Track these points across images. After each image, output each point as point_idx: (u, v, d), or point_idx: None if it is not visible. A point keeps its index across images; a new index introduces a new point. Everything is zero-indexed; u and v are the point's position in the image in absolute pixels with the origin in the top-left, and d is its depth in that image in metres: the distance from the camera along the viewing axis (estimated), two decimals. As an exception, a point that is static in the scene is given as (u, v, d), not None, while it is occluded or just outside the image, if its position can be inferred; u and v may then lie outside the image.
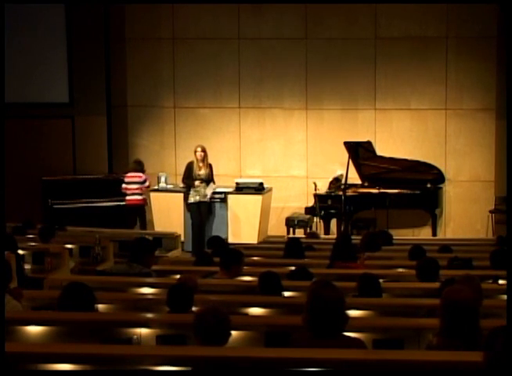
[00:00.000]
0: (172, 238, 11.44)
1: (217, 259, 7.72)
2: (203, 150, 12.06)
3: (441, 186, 13.10)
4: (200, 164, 12.03)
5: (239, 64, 13.87)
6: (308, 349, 4.26)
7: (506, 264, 6.99)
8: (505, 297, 6.08)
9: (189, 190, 12.10)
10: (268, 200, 13.29)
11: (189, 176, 12.10)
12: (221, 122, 14.00)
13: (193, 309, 5.60)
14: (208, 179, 12.08)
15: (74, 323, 5.31)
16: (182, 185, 13.18)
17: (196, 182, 11.99)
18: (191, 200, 12.09)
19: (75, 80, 13.97)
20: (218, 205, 12.56)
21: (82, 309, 5.36)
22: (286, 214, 13.35)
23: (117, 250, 9.78)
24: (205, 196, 12.08)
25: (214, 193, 12.32)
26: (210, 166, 12.15)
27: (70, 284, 5.56)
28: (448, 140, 13.45)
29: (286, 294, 6.41)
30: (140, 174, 12.94)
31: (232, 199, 12.68)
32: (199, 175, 12.03)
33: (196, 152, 12.06)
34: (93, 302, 5.51)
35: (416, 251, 8.10)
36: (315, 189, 12.82)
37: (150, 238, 10.49)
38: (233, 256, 7.18)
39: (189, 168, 12.11)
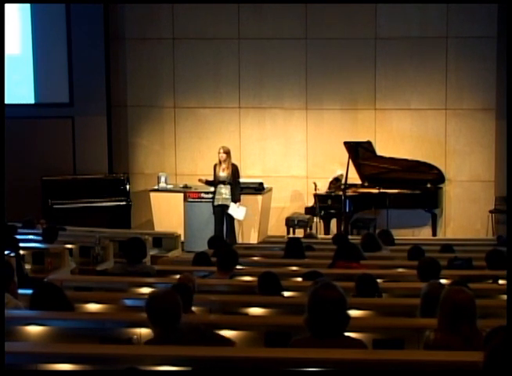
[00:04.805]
0: (172, 238, 11.44)
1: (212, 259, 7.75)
2: (226, 152, 11.94)
3: (441, 186, 13.09)
4: (222, 166, 11.96)
5: (239, 64, 13.85)
6: (308, 349, 4.26)
7: (502, 264, 7.01)
8: (505, 297, 6.09)
9: (214, 193, 11.96)
10: (268, 200, 13.29)
11: (213, 178, 12.01)
12: (221, 122, 13.98)
13: (193, 308, 5.61)
14: (230, 181, 11.95)
15: (74, 323, 5.31)
16: (181, 185, 13.21)
17: (216, 185, 11.90)
18: (215, 202, 11.96)
19: (75, 80, 13.95)
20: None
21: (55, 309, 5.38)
22: (286, 214, 13.34)
23: (117, 250, 9.78)
24: (229, 202, 11.94)
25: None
26: (233, 167, 12.03)
27: (41, 286, 5.61)
28: (448, 140, 13.45)
29: (286, 294, 6.42)
30: None
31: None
32: (219, 176, 11.95)
33: (218, 153, 11.95)
34: (66, 302, 5.52)
35: (416, 251, 8.11)
36: (315, 189, 12.81)
37: (150, 238, 10.57)
38: (233, 257, 7.20)
39: (214, 169, 12.01)
